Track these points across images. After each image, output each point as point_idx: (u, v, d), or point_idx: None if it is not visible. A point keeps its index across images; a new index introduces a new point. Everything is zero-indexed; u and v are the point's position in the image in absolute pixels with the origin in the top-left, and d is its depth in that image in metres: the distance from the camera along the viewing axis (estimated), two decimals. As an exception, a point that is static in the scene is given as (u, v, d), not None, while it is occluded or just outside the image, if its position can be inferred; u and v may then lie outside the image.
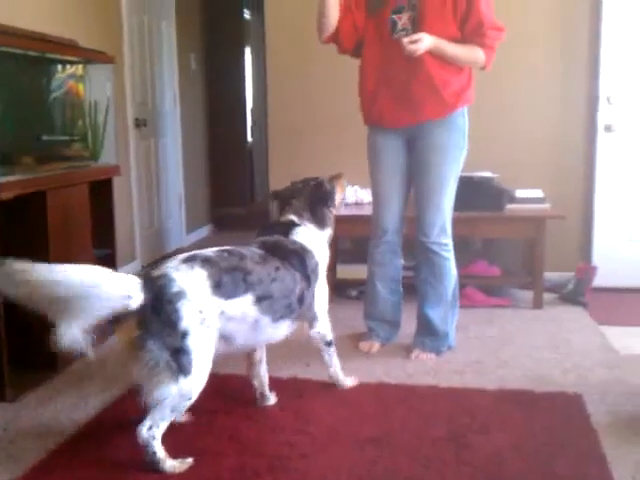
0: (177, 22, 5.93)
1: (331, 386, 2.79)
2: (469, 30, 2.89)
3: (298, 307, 2.48)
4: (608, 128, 4.28)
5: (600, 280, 4.19)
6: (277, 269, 2.39)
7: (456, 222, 3.99)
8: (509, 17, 4.36)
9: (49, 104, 3.38)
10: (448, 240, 3.13)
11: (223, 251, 2.31)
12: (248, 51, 8.05)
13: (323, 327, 2.68)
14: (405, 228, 3.28)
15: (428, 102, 2.96)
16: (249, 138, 8.20)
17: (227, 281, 2.21)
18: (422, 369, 3.01)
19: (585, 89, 4.39)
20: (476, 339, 3.46)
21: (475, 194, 4.05)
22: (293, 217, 2.65)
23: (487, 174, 4.19)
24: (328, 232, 2.72)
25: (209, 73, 7.09)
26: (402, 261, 3.35)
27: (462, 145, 3.08)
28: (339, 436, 2.37)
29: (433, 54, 2.86)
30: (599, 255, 4.36)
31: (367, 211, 4.12)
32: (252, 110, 8.19)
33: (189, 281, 2.12)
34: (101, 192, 3.57)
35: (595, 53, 4.29)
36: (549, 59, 4.41)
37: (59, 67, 3.43)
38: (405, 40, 2.78)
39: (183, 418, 2.40)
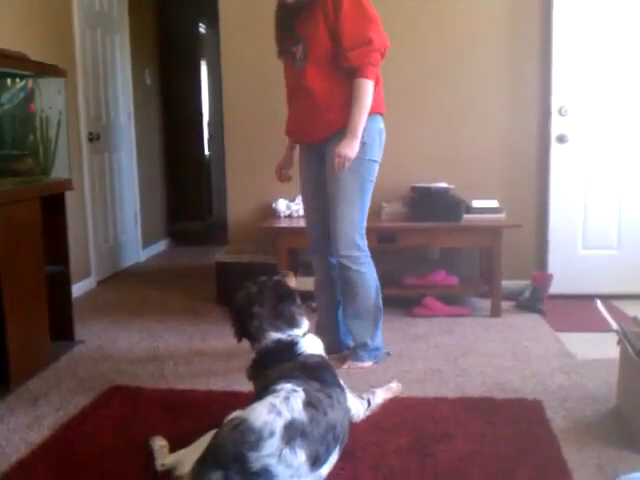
0: (131, 36, 5.88)
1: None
2: (339, 47, 2.92)
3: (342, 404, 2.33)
4: (561, 139, 4.36)
5: (555, 287, 4.25)
6: (338, 401, 2.24)
7: (414, 232, 4.05)
8: (458, 29, 4.46)
9: (-2, 118, 3.32)
10: (359, 252, 3.12)
11: (309, 406, 2.05)
12: (204, 65, 8.00)
13: (355, 407, 2.51)
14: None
15: (316, 124, 3.05)
16: (206, 152, 8.14)
17: (322, 452, 2.02)
18: (383, 379, 3.00)
19: (537, 101, 4.46)
20: (436, 348, 3.47)
21: (432, 205, 4.10)
22: (276, 334, 2.43)
23: (443, 185, 4.23)
24: (306, 325, 2.53)
25: (164, 87, 7.04)
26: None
27: (364, 156, 3.02)
28: (301, 449, 2.34)
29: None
30: (554, 263, 4.43)
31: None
32: (209, 123, 8.13)
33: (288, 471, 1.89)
34: (53, 207, 3.50)
35: (547, 65, 4.37)
36: (501, 71, 4.48)
37: (8, 80, 3.36)
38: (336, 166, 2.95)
39: None
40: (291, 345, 2.43)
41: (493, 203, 4.28)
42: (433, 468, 2.19)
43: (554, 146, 4.38)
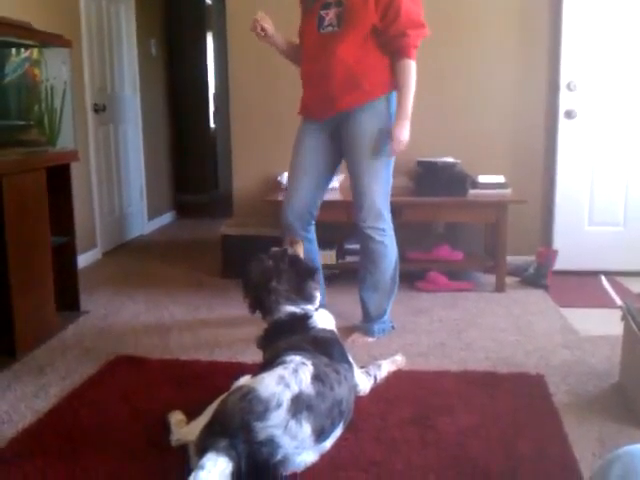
0: (137, 6, 5.83)
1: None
2: (387, 23, 2.90)
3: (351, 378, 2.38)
4: (569, 114, 4.32)
5: (560, 263, 4.25)
6: (345, 377, 2.26)
7: (420, 207, 4.04)
8: (465, 3, 4.40)
9: (3, 88, 3.30)
10: (385, 225, 3.14)
11: (317, 380, 2.07)
12: (210, 36, 7.95)
13: (362, 382, 2.54)
14: (315, 218, 3.28)
15: (347, 93, 2.98)
16: (212, 124, 8.11)
17: (327, 426, 2.06)
18: (386, 352, 3.01)
19: (546, 75, 4.42)
20: (440, 322, 3.48)
21: (438, 179, 4.08)
22: (290, 307, 2.46)
23: (450, 160, 4.21)
24: (319, 300, 2.57)
25: (170, 58, 7.00)
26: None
27: (387, 129, 3.04)
28: (304, 420, 2.36)
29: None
30: (560, 239, 4.42)
31: (333, 196, 4.13)
32: (215, 95, 8.10)
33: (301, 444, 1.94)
34: (59, 178, 3.50)
35: (556, 39, 4.32)
36: (509, 45, 4.43)
37: (13, 50, 3.34)
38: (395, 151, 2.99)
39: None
40: (304, 319, 2.45)
41: (499, 178, 4.26)
42: (435, 440, 2.21)
43: (562, 121, 4.35)
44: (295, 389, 1.98)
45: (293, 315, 2.45)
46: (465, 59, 4.44)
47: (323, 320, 2.49)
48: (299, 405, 1.95)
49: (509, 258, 4.11)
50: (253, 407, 1.88)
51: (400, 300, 3.82)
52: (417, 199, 4.08)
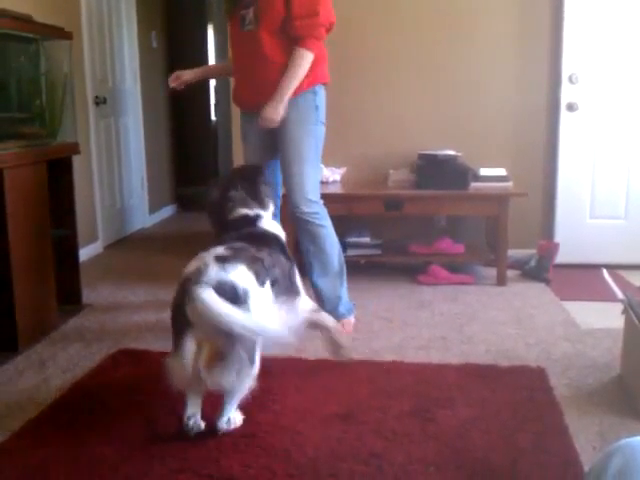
0: (137, -1, 5.82)
1: (296, 363, 2.79)
2: (286, 14, 2.92)
3: (291, 286, 2.56)
4: (570, 107, 4.32)
5: (562, 257, 4.25)
6: (270, 255, 2.42)
7: (421, 200, 4.05)
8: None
9: (4, 81, 3.29)
10: (318, 208, 3.18)
11: (229, 248, 2.29)
12: (211, 28, 7.92)
13: (305, 300, 2.69)
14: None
15: (267, 90, 3.01)
16: (213, 117, 8.10)
17: (258, 270, 2.25)
18: (387, 345, 3.02)
19: (547, 68, 4.41)
20: (441, 315, 3.49)
21: (440, 172, 4.08)
22: (244, 210, 2.64)
23: (451, 152, 4.21)
24: (272, 210, 2.77)
25: (171, 50, 6.98)
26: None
27: (313, 120, 3.09)
28: (305, 413, 2.37)
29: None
30: (561, 232, 4.42)
31: (334, 189, 4.14)
32: (215, 88, 8.08)
33: (245, 279, 2.16)
34: (60, 171, 3.50)
35: (558, 31, 4.31)
36: (511, 37, 4.42)
37: (14, 43, 3.33)
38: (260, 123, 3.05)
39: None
40: (254, 219, 2.62)
41: (501, 171, 4.26)
42: (435, 432, 2.22)
43: (564, 114, 4.34)
44: (213, 253, 2.21)
45: (245, 216, 2.63)
46: (466, 52, 4.43)
47: (270, 224, 2.67)
48: (221, 259, 2.17)
49: (510, 251, 4.11)
50: (191, 278, 2.08)
51: (401, 294, 3.84)
52: (418, 192, 4.08)
